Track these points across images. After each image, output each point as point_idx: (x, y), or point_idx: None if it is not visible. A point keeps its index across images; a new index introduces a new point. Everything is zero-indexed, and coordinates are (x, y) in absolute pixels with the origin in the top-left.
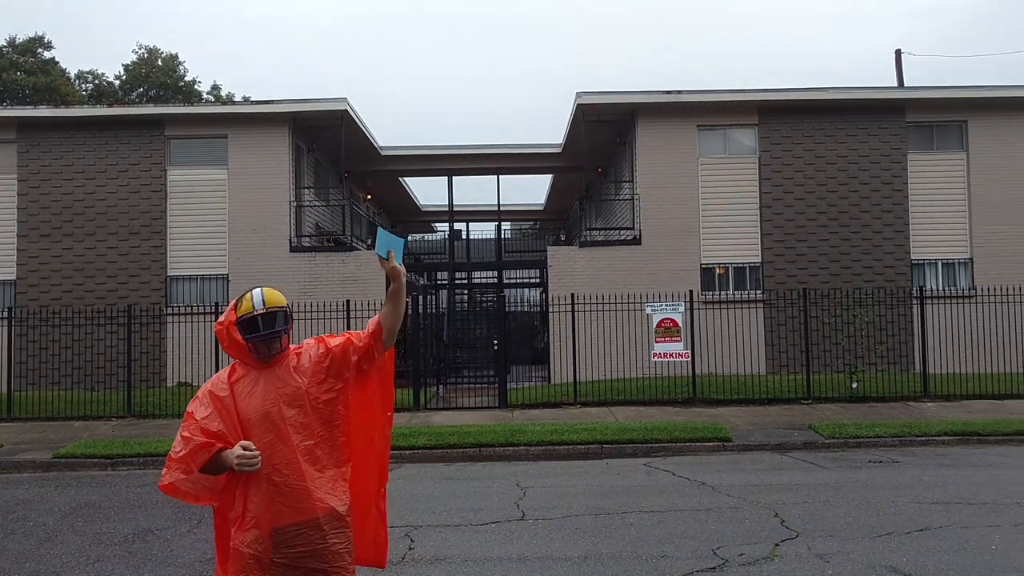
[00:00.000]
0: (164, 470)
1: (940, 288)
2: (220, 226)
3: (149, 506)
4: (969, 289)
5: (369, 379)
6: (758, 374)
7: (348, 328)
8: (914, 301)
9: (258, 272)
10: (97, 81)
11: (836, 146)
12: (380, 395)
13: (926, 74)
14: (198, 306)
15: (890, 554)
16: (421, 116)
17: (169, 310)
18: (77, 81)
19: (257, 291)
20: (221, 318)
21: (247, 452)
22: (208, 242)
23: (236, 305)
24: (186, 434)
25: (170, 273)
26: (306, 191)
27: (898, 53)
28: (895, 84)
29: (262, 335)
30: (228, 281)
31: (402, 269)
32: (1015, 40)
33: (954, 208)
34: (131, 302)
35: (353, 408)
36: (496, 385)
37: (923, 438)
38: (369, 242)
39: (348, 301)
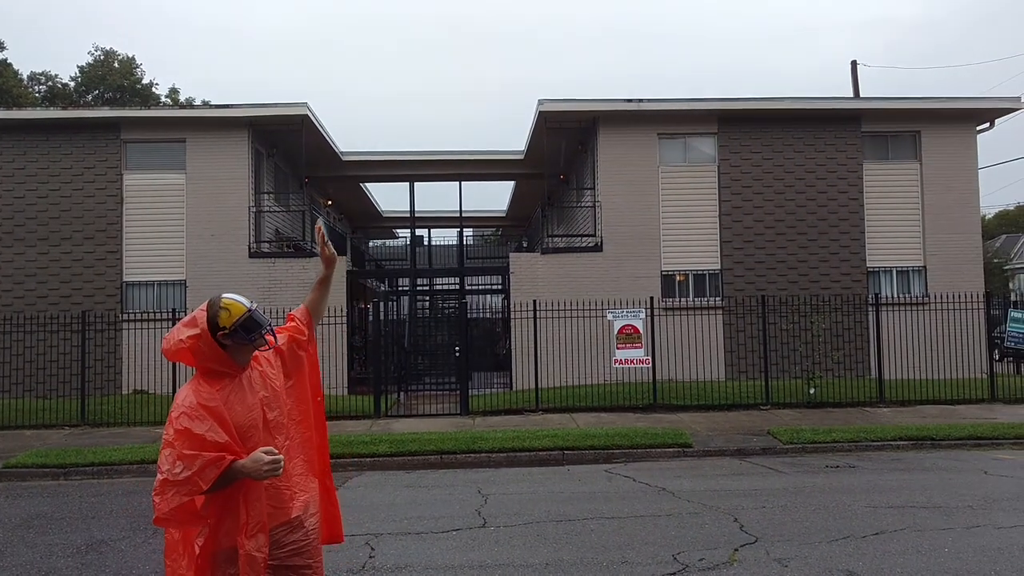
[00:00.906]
0: (156, 499)
1: (895, 295)
2: (178, 231)
3: (103, 516)
4: (923, 296)
5: (304, 367)
6: (718, 380)
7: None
8: (870, 308)
9: (217, 278)
10: (51, 83)
11: (794, 155)
12: (314, 380)
13: (881, 86)
14: (155, 312)
15: (847, 558)
16: (385, 126)
17: (125, 316)
18: (30, 83)
19: (230, 295)
20: (182, 336)
21: (275, 456)
22: (165, 247)
23: (212, 316)
24: (187, 452)
25: (126, 279)
26: (266, 196)
27: (854, 64)
28: (851, 95)
29: (267, 328)
30: (186, 287)
31: (336, 257)
32: (967, 51)
33: (908, 217)
34: (86, 308)
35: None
36: (458, 392)
37: (879, 443)
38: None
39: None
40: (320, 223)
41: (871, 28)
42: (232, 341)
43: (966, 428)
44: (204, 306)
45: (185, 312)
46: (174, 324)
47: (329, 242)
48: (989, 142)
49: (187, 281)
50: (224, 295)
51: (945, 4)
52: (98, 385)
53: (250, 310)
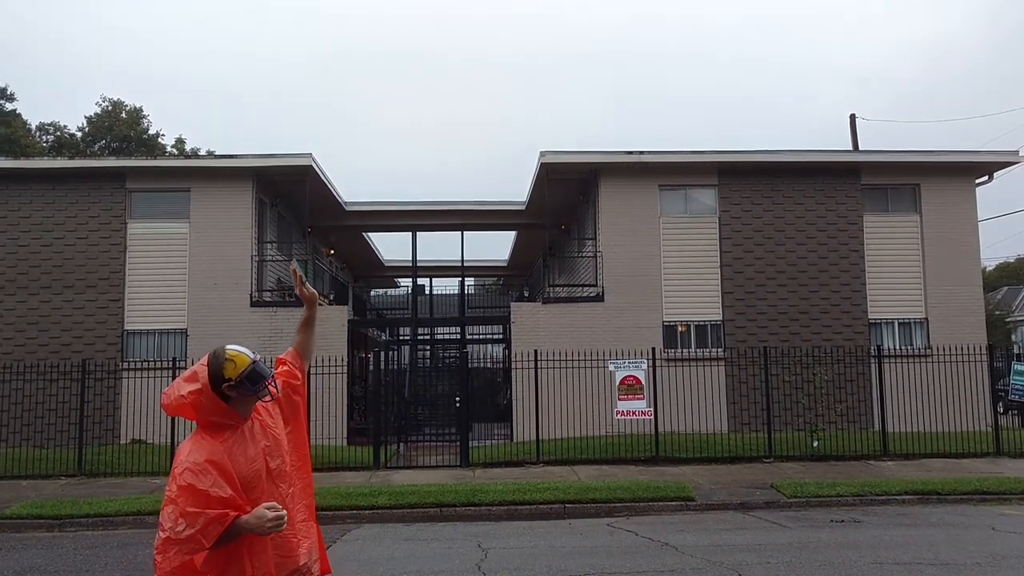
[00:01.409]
0: (157, 557)
1: (897, 347)
2: (180, 280)
3: (98, 570)
4: (925, 348)
5: (300, 412)
6: (720, 432)
7: (309, 382)
8: (872, 360)
9: (218, 327)
10: (59, 133)
11: (794, 207)
12: (304, 422)
13: (880, 139)
14: (155, 361)
15: None
16: (387, 172)
17: (125, 365)
18: (39, 133)
19: (233, 346)
20: (183, 391)
21: (279, 512)
22: (167, 296)
23: (217, 368)
24: (191, 509)
25: (127, 327)
26: (269, 245)
27: (852, 118)
28: (850, 147)
29: (270, 379)
30: (187, 336)
31: (317, 296)
32: (964, 105)
33: (909, 269)
34: (86, 356)
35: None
36: (458, 443)
37: (884, 497)
38: (332, 297)
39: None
40: (294, 264)
41: (869, 83)
42: (236, 393)
43: (972, 482)
44: (205, 360)
45: (186, 361)
46: (174, 373)
47: (307, 282)
48: (989, 194)
49: (188, 330)
50: (228, 347)
51: (940, 60)
52: (96, 434)
53: (254, 361)
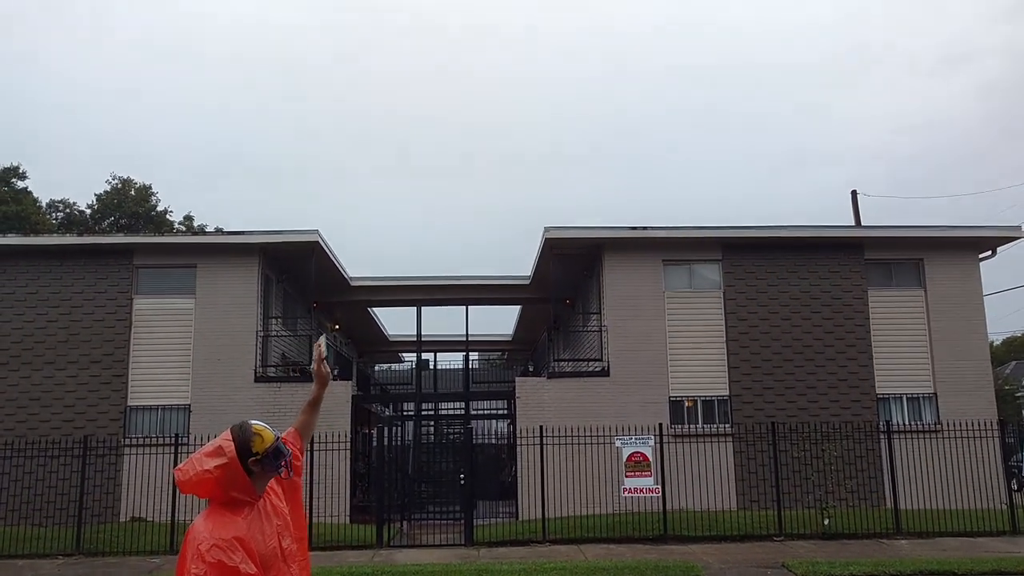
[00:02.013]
0: None
1: (906, 422)
2: (184, 355)
3: None
4: (935, 424)
5: (299, 492)
6: (729, 509)
7: (311, 459)
8: (881, 436)
9: (221, 402)
10: (68, 210)
11: (799, 282)
12: (302, 503)
13: (881, 213)
14: (157, 437)
15: None
16: (390, 244)
17: (127, 441)
18: (48, 210)
19: (256, 421)
20: (207, 466)
21: None
22: (171, 371)
23: (244, 442)
24: None
25: (130, 403)
26: (273, 321)
27: (854, 193)
28: (852, 223)
29: (289, 456)
30: (190, 412)
31: (330, 377)
32: (965, 180)
33: (916, 343)
34: (87, 432)
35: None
36: (462, 521)
37: None
38: (336, 373)
39: (314, 434)
40: (321, 340)
41: (870, 159)
42: (261, 468)
43: (989, 562)
44: (227, 435)
45: (188, 437)
46: (176, 450)
47: (326, 361)
48: (992, 269)
49: (191, 405)
50: (252, 422)
51: (940, 136)
52: (95, 512)
53: (278, 437)
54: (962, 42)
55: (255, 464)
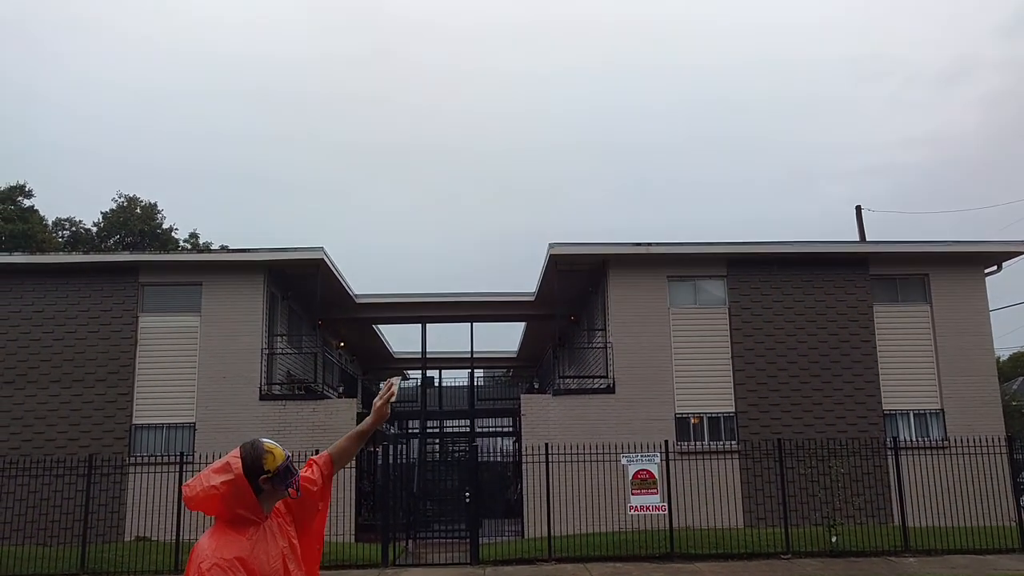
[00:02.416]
0: None
1: (913, 439)
2: (190, 373)
3: None
4: (942, 440)
5: (312, 520)
6: (736, 526)
7: None
8: (888, 452)
9: (227, 420)
10: (75, 228)
11: (804, 298)
12: (321, 527)
13: (886, 229)
14: (162, 456)
15: None
16: (395, 258)
17: (132, 460)
18: (55, 228)
19: (267, 439)
20: (215, 482)
21: None
22: (176, 390)
23: (255, 459)
24: None
25: (135, 421)
26: (279, 338)
27: (858, 209)
28: (857, 238)
29: (297, 477)
30: (195, 430)
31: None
32: (969, 196)
33: (922, 359)
34: (92, 451)
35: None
36: (468, 540)
37: None
38: (341, 390)
39: (317, 450)
40: (396, 381)
41: (873, 174)
42: (271, 486)
43: None
44: (236, 452)
45: (193, 456)
46: (181, 468)
47: (392, 400)
48: (999, 284)
49: (196, 424)
50: (262, 439)
51: (944, 151)
52: (100, 532)
53: (288, 456)
54: (964, 56)
55: (266, 482)
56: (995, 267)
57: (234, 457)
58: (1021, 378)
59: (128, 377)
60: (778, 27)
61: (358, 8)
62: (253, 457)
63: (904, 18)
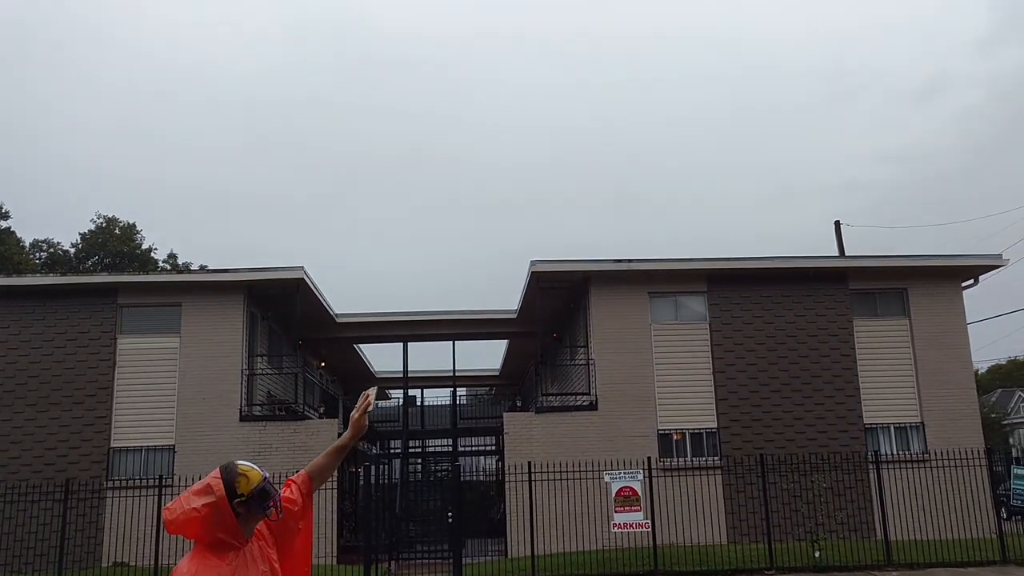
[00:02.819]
0: None
1: (894, 452)
2: (169, 395)
3: None
4: (923, 453)
5: (300, 536)
6: (720, 543)
7: None
8: (870, 466)
9: (206, 442)
10: (52, 250)
11: (784, 312)
12: (306, 548)
13: (864, 244)
14: (141, 479)
15: None
16: (376, 275)
17: (109, 484)
18: (32, 250)
19: (243, 461)
20: (195, 504)
21: None
22: (155, 412)
23: (229, 482)
24: None
25: (113, 444)
26: (259, 359)
27: (837, 224)
28: (836, 253)
29: (277, 498)
30: (174, 452)
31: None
32: (946, 210)
33: (902, 373)
34: (69, 475)
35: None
36: (451, 560)
37: None
38: (322, 411)
39: (298, 472)
40: (372, 391)
41: (852, 189)
42: (246, 509)
43: None
44: (216, 473)
45: (172, 479)
46: (160, 492)
47: (369, 412)
48: (976, 297)
49: (175, 446)
50: (238, 462)
51: (921, 166)
52: (76, 558)
53: (265, 478)
54: (941, 72)
55: (240, 505)
56: (972, 280)
57: (215, 479)
58: (1000, 390)
59: (106, 400)
60: (757, 43)
61: (340, 19)
62: (227, 480)
63: (879, 35)
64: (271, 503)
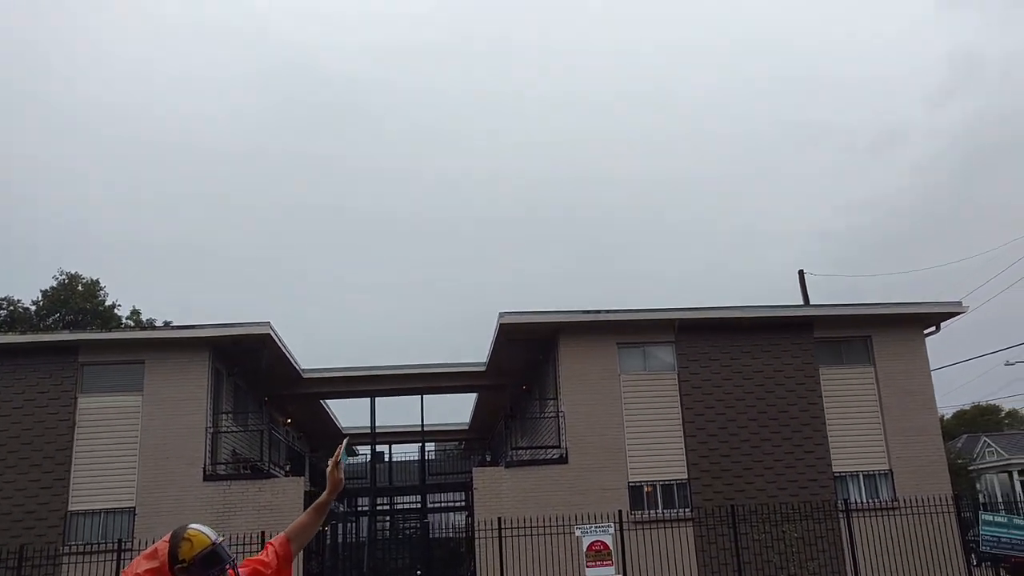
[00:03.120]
0: None
1: (864, 500)
2: (131, 455)
3: None
4: (892, 501)
5: None
6: None
7: None
8: (840, 515)
9: (169, 503)
10: (12, 307)
11: (751, 361)
12: None
13: (829, 292)
14: (99, 543)
15: None
16: (343, 330)
17: (66, 548)
18: None
19: (197, 525)
20: (140, 569)
21: None
22: (116, 473)
23: (173, 547)
24: None
25: (71, 508)
26: (224, 416)
27: (801, 273)
28: (800, 302)
29: (229, 564)
30: (135, 515)
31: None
32: (906, 258)
33: (868, 420)
34: (24, 541)
35: None
36: None
37: None
38: (288, 468)
39: (263, 532)
40: (344, 442)
41: (815, 237)
42: (194, 572)
43: None
44: (167, 536)
45: (132, 542)
46: (119, 556)
47: (343, 464)
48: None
49: (136, 508)
50: (190, 525)
51: (881, 215)
52: None
53: (214, 543)
54: (897, 123)
55: (182, 572)
56: (934, 328)
57: (163, 542)
58: (965, 436)
59: (65, 461)
60: (718, 93)
61: (304, 68)
62: (172, 545)
63: (839, 87)
64: (218, 570)
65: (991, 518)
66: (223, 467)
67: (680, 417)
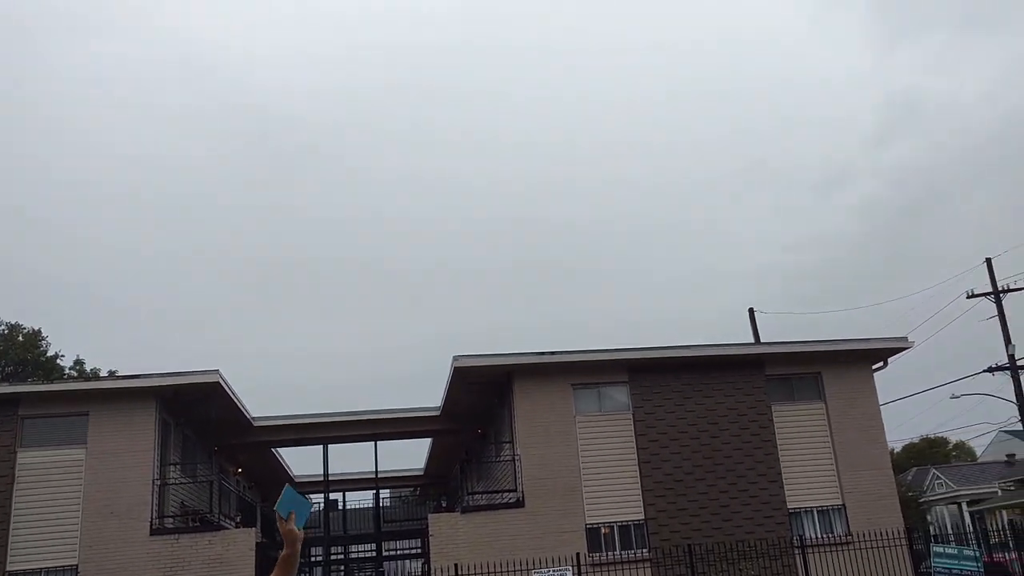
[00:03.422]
0: None
1: (818, 536)
2: (73, 511)
3: None
4: (846, 535)
5: None
6: None
7: None
8: (796, 551)
9: (113, 560)
10: None
11: (704, 400)
12: None
13: (779, 329)
14: None
15: None
16: (296, 389)
17: None
18: None
19: None
20: None
21: None
22: (58, 530)
23: None
24: None
25: (9, 568)
26: (172, 468)
27: (751, 311)
28: (751, 340)
29: None
30: (77, 573)
31: (300, 534)
32: (852, 295)
33: (820, 456)
34: None
35: None
36: None
37: None
38: (239, 519)
39: None
40: (286, 489)
41: (764, 275)
42: None
43: None
44: None
45: None
46: None
47: (293, 516)
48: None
49: (79, 566)
50: None
51: (828, 253)
52: None
53: None
54: (840, 164)
55: None
56: (882, 363)
57: None
58: (915, 469)
59: (3, 519)
60: (666, 137)
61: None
62: None
63: (786, 128)
64: None
65: (942, 550)
66: (171, 520)
67: (636, 457)
